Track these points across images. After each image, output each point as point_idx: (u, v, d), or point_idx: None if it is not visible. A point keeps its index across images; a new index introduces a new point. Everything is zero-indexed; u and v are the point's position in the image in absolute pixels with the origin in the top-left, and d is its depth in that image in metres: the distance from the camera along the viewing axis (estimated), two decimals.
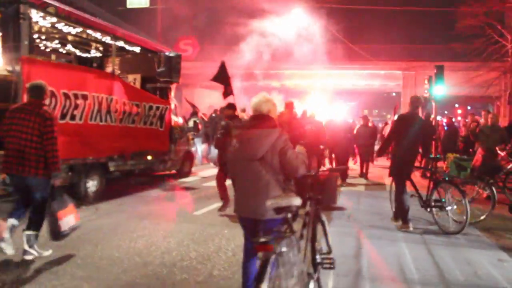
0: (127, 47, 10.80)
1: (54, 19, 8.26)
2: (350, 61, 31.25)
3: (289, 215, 3.49)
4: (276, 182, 3.76)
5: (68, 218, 5.52)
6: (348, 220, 7.95)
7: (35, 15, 7.75)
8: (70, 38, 10.36)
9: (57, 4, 8.05)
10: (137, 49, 11.13)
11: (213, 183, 9.02)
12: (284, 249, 3.31)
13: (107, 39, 9.88)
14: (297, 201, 3.49)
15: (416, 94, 31.57)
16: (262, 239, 3.25)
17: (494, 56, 26.06)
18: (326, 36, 28.94)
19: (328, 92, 32.76)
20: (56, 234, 5.45)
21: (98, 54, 11.84)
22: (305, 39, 29.54)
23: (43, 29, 9.15)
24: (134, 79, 11.66)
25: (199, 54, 31.42)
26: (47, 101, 6.31)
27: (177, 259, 5.58)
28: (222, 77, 10.85)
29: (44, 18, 8.12)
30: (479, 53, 25.93)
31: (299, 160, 3.82)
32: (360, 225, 7.53)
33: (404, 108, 29.83)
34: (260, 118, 3.91)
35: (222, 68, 10.82)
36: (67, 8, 8.32)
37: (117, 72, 10.76)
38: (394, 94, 42.88)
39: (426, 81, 19.00)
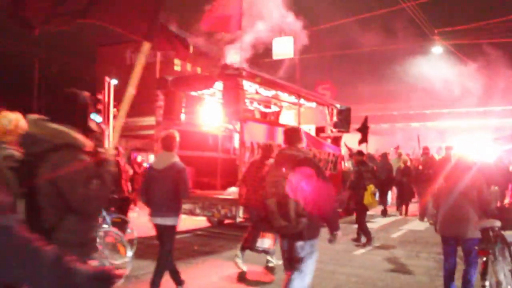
0: (306, 103, 12.40)
1: (257, 86, 10.10)
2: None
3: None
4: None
5: (265, 240, 6.83)
6: None
7: (246, 84, 9.63)
8: (258, 97, 12.23)
9: (262, 74, 9.90)
10: (313, 104, 12.69)
11: None
12: (497, 253, 4.74)
13: (292, 98, 11.56)
14: (497, 223, 4.91)
15: None
16: (482, 246, 4.74)
17: None
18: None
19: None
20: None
21: (276, 109, 13.65)
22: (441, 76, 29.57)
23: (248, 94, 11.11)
24: (309, 129, 13.17)
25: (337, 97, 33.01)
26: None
27: None
28: (363, 128, 12.46)
29: (250, 86, 9.99)
30: None
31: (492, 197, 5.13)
32: None
33: None
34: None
35: (365, 121, 12.39)
36: (266, 76, 10.15)
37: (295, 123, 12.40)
38: None
39: None
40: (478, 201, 5.16)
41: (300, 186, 4.21)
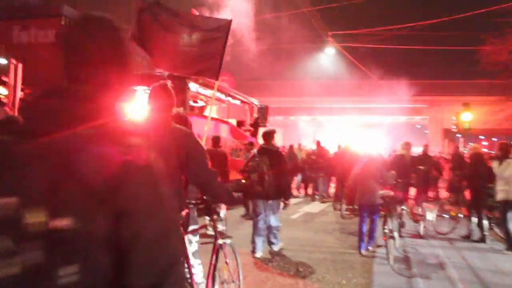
0: (231, 100, 14.14)
1: (197, 86, 11.62)
2: (377, 96, 33.08)
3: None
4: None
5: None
6: None
7: (191, 85, 11.13)
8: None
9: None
10: (238, 102, 14.48)
11: None
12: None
13: (223, 96, 13.24)
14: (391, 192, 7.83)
15: (442, 127, 34.09)
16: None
17: None
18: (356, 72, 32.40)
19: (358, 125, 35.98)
20: None
21: (202, 104, 15.21)
22: (334, 76, 33.04)
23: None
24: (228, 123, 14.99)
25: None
26: None
27: None
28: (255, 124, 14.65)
29: (193, 86, 11.50)
30: (502, 88, 28.16)
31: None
32: None
33: (431, 140, 32.61)
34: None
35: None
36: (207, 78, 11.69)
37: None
38: (418, 126, 45.55)
39: (454, 117, 21.93)
40: (380, 179, 7.88)
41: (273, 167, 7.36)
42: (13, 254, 1.04)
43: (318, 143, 16.79)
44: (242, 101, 14.60)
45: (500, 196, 8.32)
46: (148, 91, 3.80)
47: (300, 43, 31.16)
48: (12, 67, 22.05)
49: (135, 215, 1.14)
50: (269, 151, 7.55)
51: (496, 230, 9.37)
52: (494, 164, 8.57)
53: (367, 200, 7.93)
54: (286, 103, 34.73)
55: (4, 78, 20.75)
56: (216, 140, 9.73)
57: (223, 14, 14.71)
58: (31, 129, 1.17)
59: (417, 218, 10.02)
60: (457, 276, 6.68)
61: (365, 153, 8.61)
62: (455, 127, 21.74)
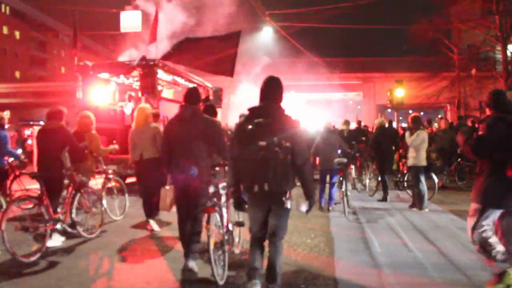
0: (187, 84, 14.89)
1: (161, 72, 12.30)
2: (313, 73, 34.78)
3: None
4: None
5: None
6: None
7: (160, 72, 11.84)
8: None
9: (169, 64, 12.15)
10: (193, 85, 15.22)
11: None
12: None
13: (182, 80, 13.96)
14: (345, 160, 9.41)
15: (375, 103, 36.13)
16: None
17: (443, 67, 30.52)
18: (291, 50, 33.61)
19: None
20: None
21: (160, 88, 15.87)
22: (270, 53, 34.12)
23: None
24: None
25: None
26: None
27: None
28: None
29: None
30: (430, 65, 30.62)
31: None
32: None
33: (364, 116, 34.58)
34: None
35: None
36: (171, 65, 12.40)
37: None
38: (351, 102, 47.67)
39: (388, 93, 23.66)
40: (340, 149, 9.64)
41: None
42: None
43: None
44: (198, 85, 15.37)
45: (410, 162, 9.63)
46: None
47: (239, 23, 31.90)
48: None
49: (297, 147, 4.12)
50: None
51: (408, 191, 10.94)
52: (406, 134, 9.85)
53: (327, 166, 9.49)
54: (225, 82, 35.15)
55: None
56: None
57: None
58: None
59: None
60: (395, 222, 8.41)
61: (324, 127, 10.03)
62: (389, 102, 23.42)
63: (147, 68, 11.21)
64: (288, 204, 4.17)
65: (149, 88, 11.17)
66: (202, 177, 5.23)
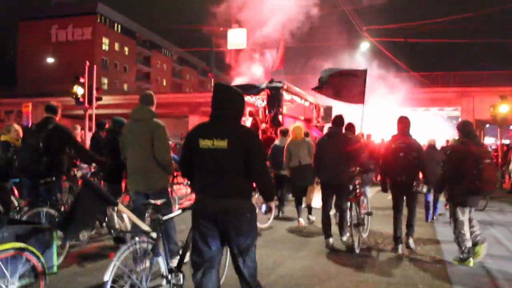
0: (303, 102, 16.45)
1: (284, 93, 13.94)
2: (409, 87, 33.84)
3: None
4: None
5: None
6: None
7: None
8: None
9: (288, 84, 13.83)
10: (307, 103, 16.79)
11: None
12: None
13: (298, 99, 15.56)
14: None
15: (474, 118, 35.23)
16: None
17: None
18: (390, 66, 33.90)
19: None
20: None
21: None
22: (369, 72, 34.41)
23: None
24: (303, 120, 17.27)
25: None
26: None
27: None
28: None
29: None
30: None
31: None
32: None
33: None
34: None
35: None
36: (292, 87, 14.09)
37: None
38: (445, 117, 45.91)
39: (491, 108, 23.47)
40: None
41: None
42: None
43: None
44: (310, 102, 16.88)
45: None
46: None
47: (336, 39, 32.88)
48: (86, 69, 23.44)
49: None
50: None
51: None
52: None
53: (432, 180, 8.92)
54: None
55: (81, 79, 22.37)
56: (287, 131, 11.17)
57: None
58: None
59: None
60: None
61: (429, 143, 10.52)
62: (491, 118, 23.21)
63: (275, 90, 12.91)
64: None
65: (276, 106, 12.85)
66: (344, 178, 7.14)
